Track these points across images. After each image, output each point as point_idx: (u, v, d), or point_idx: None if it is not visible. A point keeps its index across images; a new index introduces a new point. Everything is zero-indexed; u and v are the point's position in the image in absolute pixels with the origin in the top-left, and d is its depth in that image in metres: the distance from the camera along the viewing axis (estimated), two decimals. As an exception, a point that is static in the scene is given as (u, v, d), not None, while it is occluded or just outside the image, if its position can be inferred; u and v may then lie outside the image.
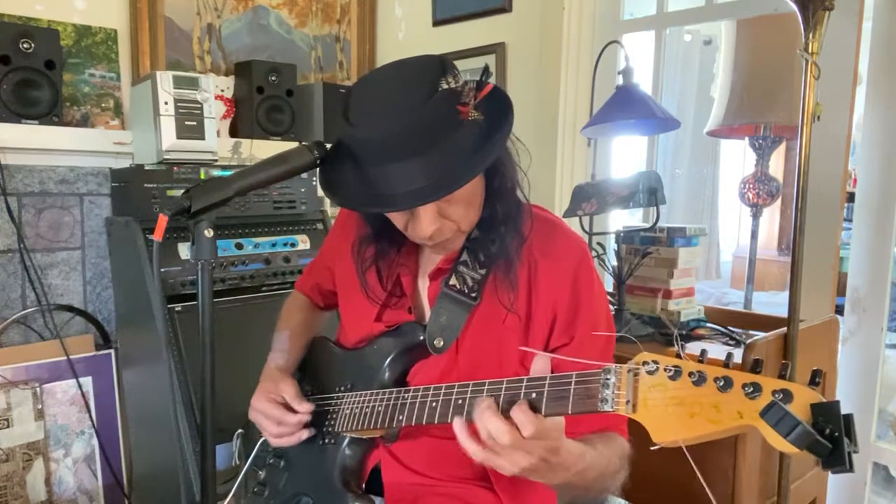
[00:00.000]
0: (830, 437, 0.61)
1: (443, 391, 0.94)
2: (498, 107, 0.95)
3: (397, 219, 0.99)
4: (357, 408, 1.07)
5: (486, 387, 0.88)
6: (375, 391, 1.05)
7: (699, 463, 1.48)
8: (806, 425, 0.60)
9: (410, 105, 0.88)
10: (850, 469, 0.61)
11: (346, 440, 1.08)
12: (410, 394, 0.99)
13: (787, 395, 0.64)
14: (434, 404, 0.94)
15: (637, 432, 0.89)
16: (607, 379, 0.76)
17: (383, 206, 0.94)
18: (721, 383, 0.67)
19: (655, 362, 0.72)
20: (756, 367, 0.67)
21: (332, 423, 1.11)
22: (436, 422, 0.94)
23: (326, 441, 1.11)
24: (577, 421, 1.04)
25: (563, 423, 0.83)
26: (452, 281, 1.05)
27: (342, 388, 1.13)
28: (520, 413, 0.80)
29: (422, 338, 1.05)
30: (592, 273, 1.07)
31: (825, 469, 0.62)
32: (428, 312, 1.08)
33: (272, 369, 1.18)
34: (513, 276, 1.02)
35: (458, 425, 0.85)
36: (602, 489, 0.98)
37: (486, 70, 0.93)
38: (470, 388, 0.90)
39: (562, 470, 0.85)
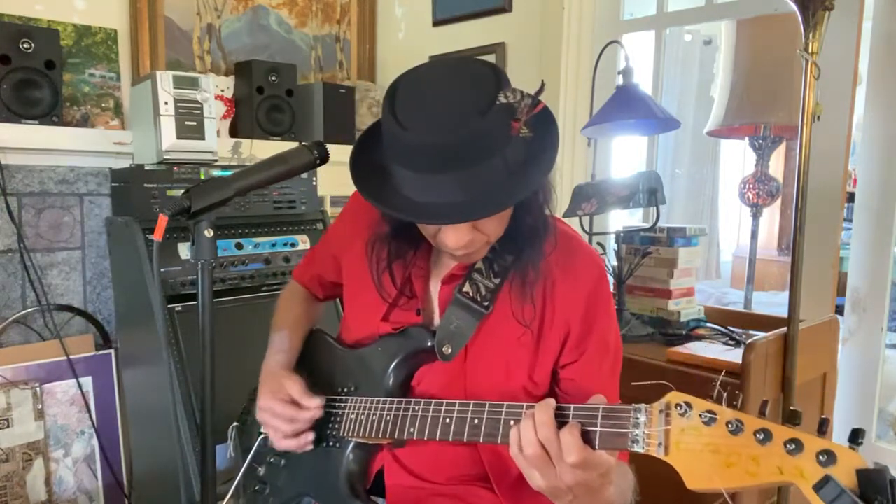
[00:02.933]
0: None
1: (457, 408, 0.94)
2: (544, 123, 0.91)
3: (427, 227, 0.97)
4: (364, 414, 1.05)
5: (503, 409, 0.89)
6: (383, 399, 1.04)
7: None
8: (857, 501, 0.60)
9: (467, 116, 0.84)
10: None
11: (351, 445, 1.07)
12: (422, 407, 0.98)
13: (831, 457, 0.63)
14: (448, 420, 0.93)
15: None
16: (637, 418, 0.76)
17: (421, 216, 0.90)
18: (761, 437, 0.66)
19: (689, 405, 0.72)
20: (794, 419, 0.67)
21: (337, 426, 1.10)
22: (450, 439, 0.93)
23: (330, 444, 1.09)
24: None
25: (612, 462, 0.82)
26: (466, 288, 1.03)
27: (345, 390, 1.12)
28: (571, 437, 0.79)
29: (430, 343, 1.03)
30: (608, 294, 1.06)
31: None
32: (437, 316, 1.07)
33: (274, 368, 1.15)
34: (528, 290, 1.01)
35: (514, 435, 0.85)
36: None
37: (542, 86, 0.90)
38: (487, 409, 0.90)
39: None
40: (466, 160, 0.85)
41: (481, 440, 0.92)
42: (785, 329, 1.50)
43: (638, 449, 0.75)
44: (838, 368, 1.79)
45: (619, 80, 1.80)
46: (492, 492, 1.07)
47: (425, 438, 0.96)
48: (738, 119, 2.00)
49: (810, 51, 1.43)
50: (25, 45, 1.90)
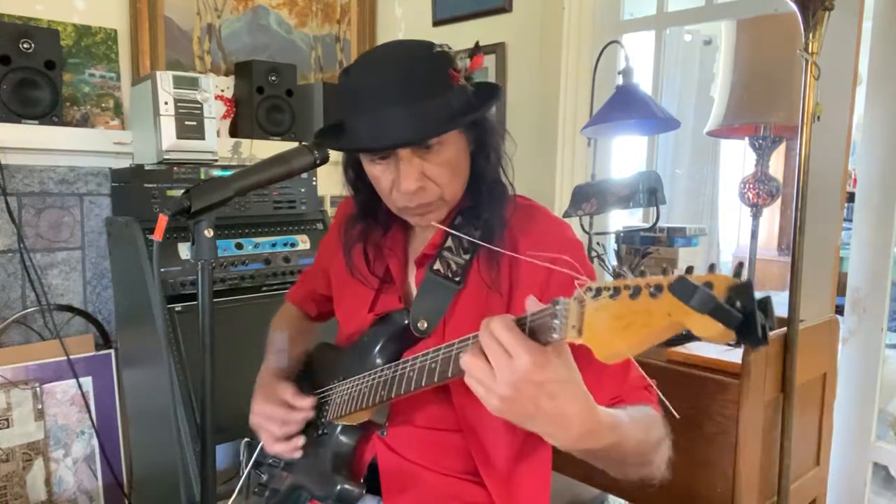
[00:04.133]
0: (743, 312, 0.61)
1: (418, 360, 0.95)
2: (488, 88, 1.01)
3: (382, 180, 1.01)
4: (346, 395, 1.08)
5: (470, 340, 0.87)
6: (360, 376, 1.07)
7: (699, 462, 1.49)
8: (708, 291, 0.61)
9: (406, 60, 0.96)
10: (765, 341, 0.62)
11: (338, 429, 1.09)
12: (392, 369, 1.00)
13: (709, 285, 0.64)
14: (434, 365, 0.93)
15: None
16: (556, 310, 0.76)
17: (366, 144, 0.98)
18: (652, 290, 0.67)
19: (599, 288, 0.73)
20: (687, 271, 0.67)
21: (325, 414, 1.12)
22: (436, 380, 0.91)
23: (321, 432, 1.12)
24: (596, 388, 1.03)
25: (570, 364, 0.79)
26: (437, 266, 1.07)
27: (335, 381, 1.14)
28: (509, 332, 0.78)
29: (406, 321, 1.06)
30: (577, 248, 1.07)
31: (740, 342, 0.64)
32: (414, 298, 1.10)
33: (267, 375, 1.18)
34: (494, 257, 1.03)
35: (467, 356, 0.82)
36: (642, 460, 0.94)
37: (477, 45, 0.99)
38: (456, 344, 0.90)
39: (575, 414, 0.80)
40: (408, 96, 0.94)
41: (436, 380, 0.91)
42: (785, 329, 1.50)
43: (556, 336, 0.75)
44: (838, 368, 1.79)
45: (619, 80, 1.80)
46: (481, 486, 1.07)
47: (412, 390, 0.95)
48: (738, 119, 2.00)
49: (810, 51, 1.43)
50: (25, 45, 1.90)
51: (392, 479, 1.09)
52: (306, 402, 1.09)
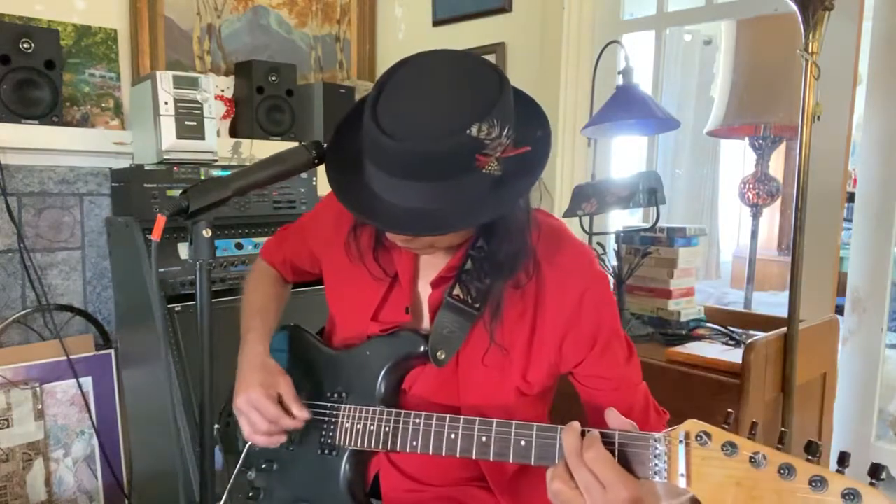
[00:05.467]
0: None
1: (462, 424, 0.93)
2: (523, 167, 0.89)
3: None
4: (360, 424, 1.04)
5: (513, 429, 0.89)
6: (381, 409, 1.03)
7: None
8: None
9: (448, 126, 0.83)
10: None
11: (348, 453, 1.06)
12: (423, 420, 0.97)
13: (856, 497, 0.63)
14: (453, 436, 0.93)
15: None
16: (656, 448, 0.76)
17: (380, 221, 0.91)
18: (785, 472, 0.67)
19: (707, 435, 0.72)
20: (814, 450, 0.66)
21: (331, 434, 1.08)
22: (457, 455, 0.93)
23: (326, 452, 1.08)
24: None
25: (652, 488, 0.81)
26: (456, 291, 1.02)
27: (335, 395, 1.10)
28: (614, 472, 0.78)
29: (423, 349, 1.02)
30: (603, 282, 1.05)
31: None
32: (426, 318, 1.07)
33: (262, 357, 1.10)
34: (518, 288, 1.00)
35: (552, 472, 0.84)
36: None
37: (543, 136, 0.90)
38: (494, 428, 0.90)
39: None
40: (425, 174, 0.85)
41: (491, 458, 0.91)
42: (785, 329, 1.50)
43: (660, 479, 0.76)
44: (838, 368, 1.79)
45: (619, 80, 1.80)
46: (487, 490, 1.07)
47: (430, 453, 0.96)
48: (738, 119, 2.00)
49: (810, 51, 1.43)
50: (25, 45, 1.90)
51: (396, 501, 1.09)
52: (303, 415, 1.04)
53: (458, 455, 0.93)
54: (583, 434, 0.84)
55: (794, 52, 1.47)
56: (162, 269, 1.80)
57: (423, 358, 1.03)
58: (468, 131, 0.82)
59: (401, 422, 1.00)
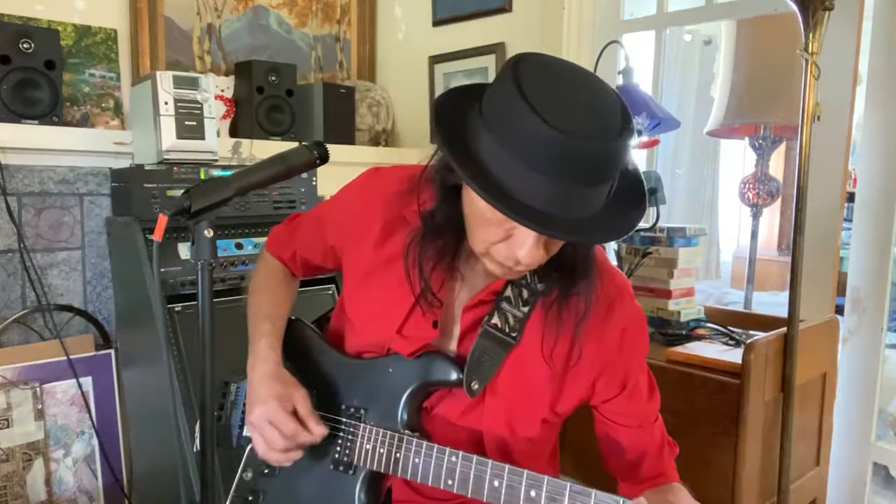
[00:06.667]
0: None
1: (506, 474, 0.89)
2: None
3: (489, 230, 0.86)
4: (383, 448, 1.00)
5: (567, 490, 0.84)
6: (411, 439, 0.98)
7: (700, 463, 1.48)
8: None
9: (613, 130, 0.77)
10: None
11: (365, 472, 1.03)
12: (461, 461, 0.92)
13: None
14: (496, 483, 0.88)
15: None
16: None
17: (518, 213, 0.78)
18: None
19: None
20: None
21: (348, 451, 1.04)
22: (501, 503, 0.88)
23: (341, 469, 1.04)
24: (636, 463, 1.05)
25: None
26: (494, 320, 0.97)
27: (351, 409, 1.06)
28: None
29: (456, 377, 0.98)
30: (642, 319, 1.04)
31: None
32: (455, 338, 1.02)
33: (275, 366, 1.05)
34: (564, 323, 0.96)
35: None
36: None
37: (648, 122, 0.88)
38: (545, 485, 0.85)
39: None
40: (600, 176, 0.79)
41: None
42: (785, 329, 1.50)
43: None
44: (838, 368, 1.79)
45: (619, 80, 1.80)
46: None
47: (468, 496, 0.92)
48: (738, 119, 2.00)
49: (810, 51, 1.43)
50: (25, 45, 1.90)
51: None
52: (319, 431, 1.00)
53: (501, 503, 0.88)
54: None
55: (794, 52, 1.47)
56: (162, 269, 1.80)
57: (454, 385, 0.99)
58: (631, 124, 0.78)
59: (433, 456, 0.95)
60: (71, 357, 2.04)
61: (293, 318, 1.18)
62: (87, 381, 2.09)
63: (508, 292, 0.98)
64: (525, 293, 0.98)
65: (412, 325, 1.01)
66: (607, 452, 0.96)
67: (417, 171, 0.97)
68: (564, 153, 0.76)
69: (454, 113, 0.86)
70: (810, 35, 1.43)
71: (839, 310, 1.85)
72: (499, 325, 0.97)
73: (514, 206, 0.77)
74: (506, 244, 0.85)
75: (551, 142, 0.75)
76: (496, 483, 0.89)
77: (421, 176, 0.96)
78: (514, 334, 0.97)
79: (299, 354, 1.15)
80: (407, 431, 1.00)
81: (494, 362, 0.97)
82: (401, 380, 1.02)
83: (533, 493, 0.86)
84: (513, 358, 0.98)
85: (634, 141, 0.80)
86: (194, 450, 1.18)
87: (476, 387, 0.97)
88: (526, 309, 0.98)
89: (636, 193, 0.86)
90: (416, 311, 1.00)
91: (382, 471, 1.00)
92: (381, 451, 1.00)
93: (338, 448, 1.05)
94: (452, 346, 1.02)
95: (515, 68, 0.80)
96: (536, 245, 0.83)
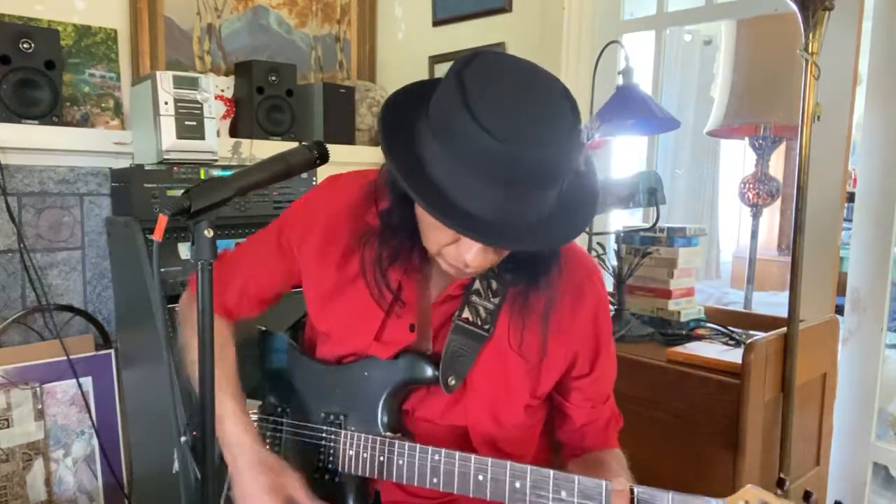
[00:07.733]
0: None
1: (489, 467, 0.89)
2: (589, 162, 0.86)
3: (436, 234, 0.86)
4: (366, 452, 0.99)
5: (551, 479, 0.85)
6: (393, 441, 0.98)
7: (700, 463, 1.49)
8: None
9: (559, 135, 0.76)
10: None
11: (351, 477, 1.02)
12: (443, 458, 0.93)
13: None
14: (481, 478, 0.89)
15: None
16: None
17: (458, 224, 0.78)
18: None
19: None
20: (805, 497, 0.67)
21: (332, 459, 1.03)
22: (487, 497, 0.89)
23: (327, 478, 1.04)
24: (582, 435, 1.06)
25: None
26: (465, 314, 0.98)
27: (330, 416, 1.05)
28: None
29: (431, 374, 0.98)
30: (607, 299, 1.05)
31: None
32: (430, 339, 1.03)
33: (255, 452, 1.01)
34: (532, 312, 0.96)
35: None
36: None
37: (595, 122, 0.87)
38: (529, 475, 0.86)
39: None
40: (546, 182, 0.78)
41: None
42: (785, 329, 1.50)
43: None
44: (838, 368, 1.79)
45: (619, 80, 1.80)
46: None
47: (455, 492, 0.92)
48: (738, 119, 2.00)
49: (810, 51, 1.43)
50: (25, 45, 1.90)
51: None
52: None
53: (487, 498, 0.89)
54: (631, 492, 0.82)
55: (794, 52, 1.47)
56: (162, 269, 1.80)
57: (430, 383, 0.99)
58: (579, 125, 0.77)
59: (416, 456, 0.95)
60: (71, 357, 2.04)
61: (263, 328, 1.16)
62: (87, 381, 2.09)
63: (477, 285, 0.99)
64: (494, 284, 0.98)
65: (389, 331, 1.01)
66: (558, 423, 0.98)
67: (374, 176, 0.99)
68: (507, 163, 0.75)
69: (404, 115, 0.86)
70: (810, 35, 1.43)
71: (839, 310, 1.85)
72: (470, 319, 0.98)
73: (456, 215, 0.77)
74: (455, 247, 0.86)
75: (493, 152, 0.74)
76: (480, 477, 0.89)
77: (377, 180, 0.98)
78: (486, 327, 0.98)
79: (273, 367, 1.14)
80: (388, 434, 1.00)
81: (469, 357, 0.98)
82: (377, 382, 1.01)
83: (518, 484, 0.87)
84: (488, 350, 0.99)
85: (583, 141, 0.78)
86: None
87: (453, 382, 0.97)
88: (497, 300, 0.98)
89: (589, 193, 0.87)
90: (391, 318, 1.01)
91: (368, 475, 1.00)
92: (365, 455, 1.00)
93: (321, 457, 1.05)
94: (430, 344, 1.03)
95: (460, 74, 0.79)
96: (484, 250, 0.84)
